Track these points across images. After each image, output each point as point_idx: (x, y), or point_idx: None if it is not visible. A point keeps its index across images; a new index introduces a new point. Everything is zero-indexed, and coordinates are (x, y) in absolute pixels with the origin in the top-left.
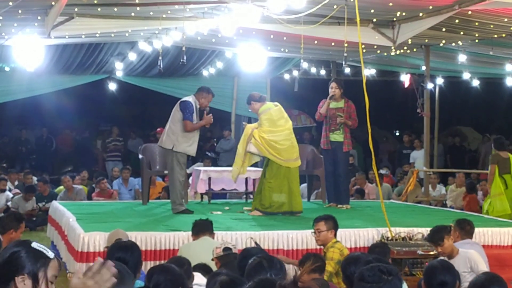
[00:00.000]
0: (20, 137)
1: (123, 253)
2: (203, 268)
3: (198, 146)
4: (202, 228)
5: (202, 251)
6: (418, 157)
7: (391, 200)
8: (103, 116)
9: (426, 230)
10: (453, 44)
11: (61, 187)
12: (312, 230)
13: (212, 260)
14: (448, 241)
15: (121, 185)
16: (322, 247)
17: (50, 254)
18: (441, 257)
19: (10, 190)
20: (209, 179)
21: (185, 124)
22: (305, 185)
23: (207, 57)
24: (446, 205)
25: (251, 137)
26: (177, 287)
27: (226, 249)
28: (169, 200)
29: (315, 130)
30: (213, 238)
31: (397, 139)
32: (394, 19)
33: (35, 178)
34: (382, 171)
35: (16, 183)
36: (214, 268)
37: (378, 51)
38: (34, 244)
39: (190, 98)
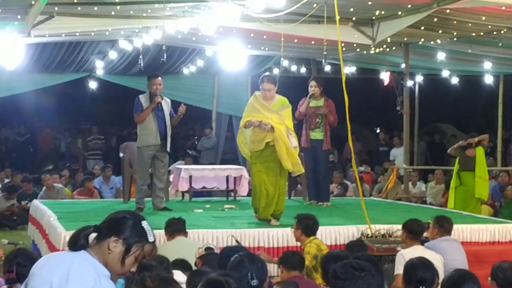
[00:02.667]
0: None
1: None
2: (182, 265)
3: (179, 144)
4: (177, 228)
5: (179, 251)
6: (398, 154)
7: (371, 197)
8: (83, 114)
9: None
10: (432, 42)
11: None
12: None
13: (195, 263)
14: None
15: (102, 183)
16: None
17: (150, 239)
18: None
19: None
20: (190, 177)
21: (135, 118)
22: None
23: (187, 56)
24: (426, 202)
25: (287, 132)
26: (162, 283)
27: (208, 248)
28: (150, 199)
29: (295, 128)
30: (186, 237)
31: (377, 137)
32: (374, 17)
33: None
34: (362, 168)
35: None
36: (193, 265)
37: (358, 49)
38: (144, 223)
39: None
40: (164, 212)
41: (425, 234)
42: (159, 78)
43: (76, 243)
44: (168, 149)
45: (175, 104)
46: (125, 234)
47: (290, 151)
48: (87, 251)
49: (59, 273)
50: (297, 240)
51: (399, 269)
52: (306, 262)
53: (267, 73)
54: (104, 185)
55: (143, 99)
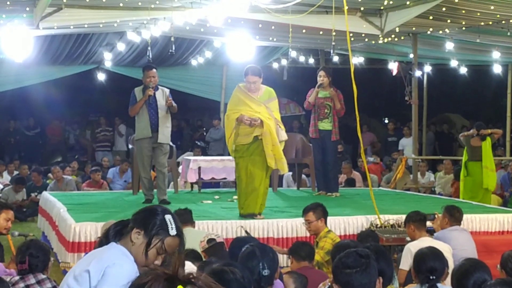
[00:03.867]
0: (9, 128)
1: None
2: (191, 255)
3: (188, 135)
4: (184, 219)
5: (188, 241)
6: (407, 144)
7: (380, 188)
8: (92, 106)
9: None
10: (441, 32)
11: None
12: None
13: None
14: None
15: (116, 174)
16: (314, 236)
17: (172, 232)
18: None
19: None
20: (199, 168)
21: (129, 111)
22: (289, 173)
23: (195, 47)
24: (434, 192)
25: (277, 125)
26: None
27: (210, 240)
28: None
29: (304, 119)
30: (193, 227)
31: (385, 127)
32: (382, 7)
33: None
34: (371, 159)
35: (5, 174)
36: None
37: (366, 40)
38: (168, 216)
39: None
40: (172, 203)
41: (431, 224)
42: (154, 70)
43: (108, 237)
44: (160, 140)
45: (183, 96)
46: (146, 226)
47: (276, 148)
48: (117, 243)
49: (94, 259)
50: (315, 232)
51: (404, 263)
52: (318, 257)
53: (251, 65)
54: (118, 177)
55: (137, 92)
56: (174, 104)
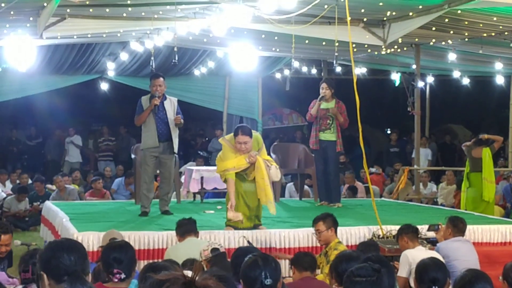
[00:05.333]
0: (11, 137)
1: (117, 253)
2: (192, 265)
3: (189, 145)
4: (188, 229)
5: (190, 252)
6: (421, 154)
7: (382, 198)
8: (95, 115)
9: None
10: (443, 43)
11: (50, 185)
12: (313, 231)
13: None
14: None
15: (122, 185)
16: (324, 245)
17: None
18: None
19: None
20: (202, 178)
21: (134, 120)
22: (292, 184)
23: (198, 57)
24: (437, 203)
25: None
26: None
27: (214, 250)
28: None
29: (306, 129)
30: (197, 237)
31: (388, 138)
32: (385, 18)
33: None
34: (373, 169)
35: (8, 183)
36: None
37: (369, 50)
38: None
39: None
40: (175, 213)
41: (434, 235)
42: (161, 78)
43: None
44: (175, 150)
45: (186, 106)
46: None
47: (267, 187)
48: None
49: None
50: (325, 242)
51: (402, 270)
52: (326, 270)
53: (242, 125)
54: (123, 188)
55: (144, 101)
56: (182, 121)
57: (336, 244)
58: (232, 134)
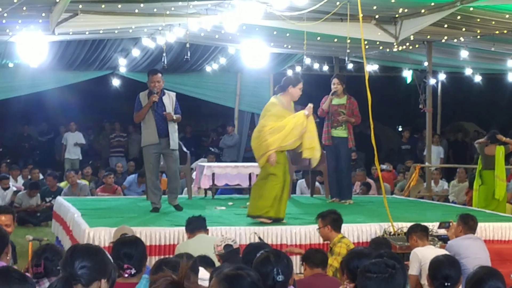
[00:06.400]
0: (23, 133)
1: (128, 248)
2: (204, 261)
3: (201, 141)
4: (197, 226)
5: (200, 248)
6: (434, 152)
7: (394, 195)
8: (106, 112)
9: (429, 225)
10: (455, 40)
11: (65, 182)
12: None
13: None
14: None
15: (134, 183)
16: (328, 242)
17: None
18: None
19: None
20: (213, 174)
21: (134, 117)
22: (303, 180)
23: (210, 53)
24: (448, 200)
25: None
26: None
27: (227, 246)
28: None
29: (318, 126)
30: (207, 234)
31: (399, 135)
32: (397, 15)
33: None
34: (384, 166)
35: (19, 179)
36: (216, 260)
37: (381, 47)
38: None
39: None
40: (186, 210)
41: (445, 232)
42: (159, 74)
43: None
44: (172, 146)
45: (197, 102)
46: None
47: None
48: None
49: None
50: (325, 238)
51: (412, 268)
52: (336, 264)
53: (295, 73)
54: (135, 186)
55: (142, 97)
56: (177, 117)
57: (339, 238)
58: (278, 95)
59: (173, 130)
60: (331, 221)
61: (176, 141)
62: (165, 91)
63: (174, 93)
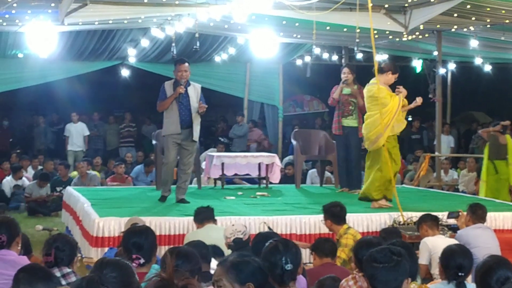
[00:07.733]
0: (33, 123)
1: (138, 238)
2: (213, 251)
3: (210, 131)
4: (206, 216)
5: (209, 238)
6: (444, 141)
7: (403, 185)
8: (116, 102)
9: (438, 215)
10: (465, 29)
11: (75, 172)
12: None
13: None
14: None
15: (142, 173)
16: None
17: None
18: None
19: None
20: (222, 164)
21: (157, 105)
22: (314, 170)
23: (219, 43)
24: (458, 190)
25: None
26: (194, 270)
27: (237, 239)
28: None
29: (327, 115)
30: (215, 224)
31: (408, 124)
32: (406, 4)
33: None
34: None
35: (29, 169)
36: (225, 250)
37: (390, 37)
38: None
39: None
40: (196, 199)
41: (455, 222)
42: (186, 64)
43: None
44: (195, 138)
45: (207, 92)
46: None
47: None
48: None
49: None
50: (330, 230)
51: (422, 258)
52: (343, 255)
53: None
54: (143, 176)
55: (167, 86)
56: (204, 109)
57: (345, 230)
58: (374, 79)
59: (197, 123)
60: (331, 215)
61: (198, 133)
62: (191, 82)
63: (200, 85)
